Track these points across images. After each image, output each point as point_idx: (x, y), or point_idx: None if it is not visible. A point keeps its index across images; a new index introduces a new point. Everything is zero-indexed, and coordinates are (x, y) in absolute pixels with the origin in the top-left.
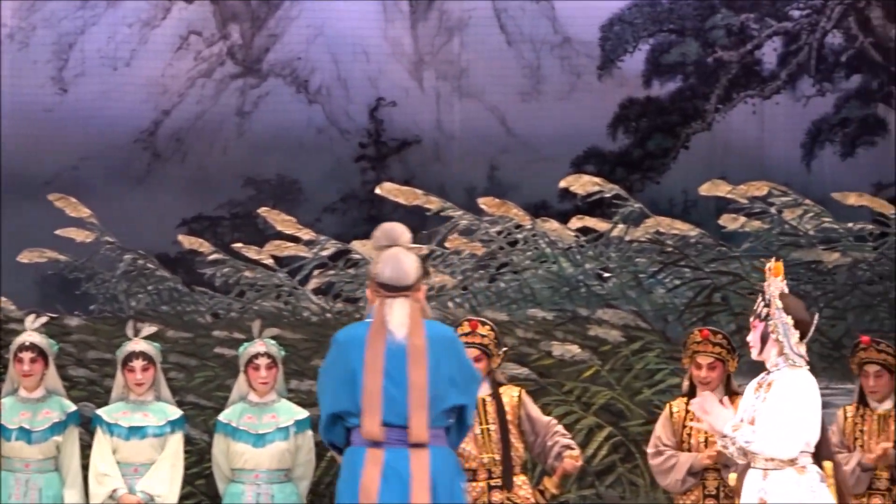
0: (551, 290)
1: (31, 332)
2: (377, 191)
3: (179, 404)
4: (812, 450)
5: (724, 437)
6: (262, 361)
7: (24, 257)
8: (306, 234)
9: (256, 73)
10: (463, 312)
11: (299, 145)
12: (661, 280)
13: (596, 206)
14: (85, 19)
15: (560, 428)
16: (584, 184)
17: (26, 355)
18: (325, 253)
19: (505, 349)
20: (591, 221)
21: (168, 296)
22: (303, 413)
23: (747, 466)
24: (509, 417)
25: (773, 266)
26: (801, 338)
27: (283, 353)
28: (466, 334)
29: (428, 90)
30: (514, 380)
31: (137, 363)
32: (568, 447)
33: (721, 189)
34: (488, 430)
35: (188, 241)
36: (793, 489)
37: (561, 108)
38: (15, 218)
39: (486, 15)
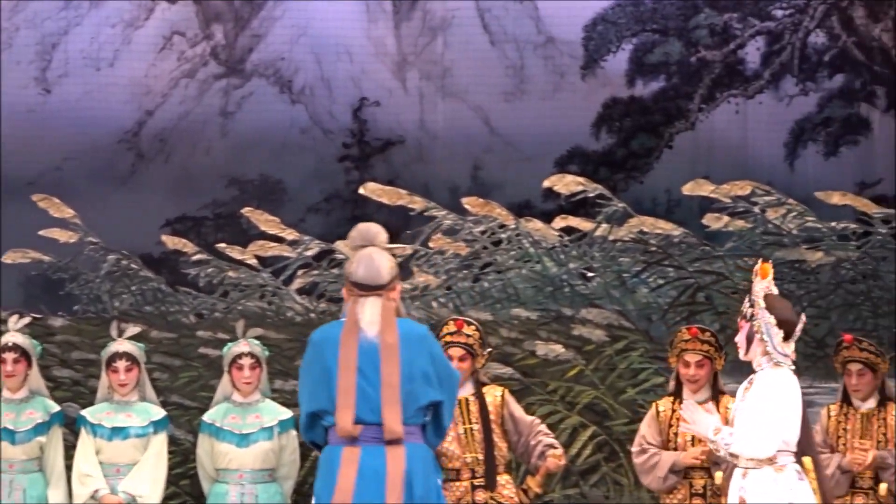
0: (535, 290)
1: (15, 333)
2: (361, 191)
3: (163, 404)
4: (792, 448)
5: (712, 441)
6: (246, 361)
7: (8, 258)
8: (290, 235)
9: (240, 73)
10: (447, 312)
11: (283, 145)
12: (645, 279)
13: (579, 205)
14: (68, 20)
15: (543, 427)
16: (567, 183)
17: (9, 356)
18: (308, 253)
19: (490, 350)
20: (574, 221)
21: (152, 296)
22: (287, 413)
23: (734, 465)
24: (492, 417)
25: (760, 267)
26: (786, 337)
27: (266, 353)
28: (452, 333)
29: (411, 90)
30: (498, 379)
31: (121, 364)
32: (551, 446)
33: (704, 188)
34: (471, 429)
35: (172, 242)
36: (770, 488)
37: (544, 108)
38: None
39: (470, 15)
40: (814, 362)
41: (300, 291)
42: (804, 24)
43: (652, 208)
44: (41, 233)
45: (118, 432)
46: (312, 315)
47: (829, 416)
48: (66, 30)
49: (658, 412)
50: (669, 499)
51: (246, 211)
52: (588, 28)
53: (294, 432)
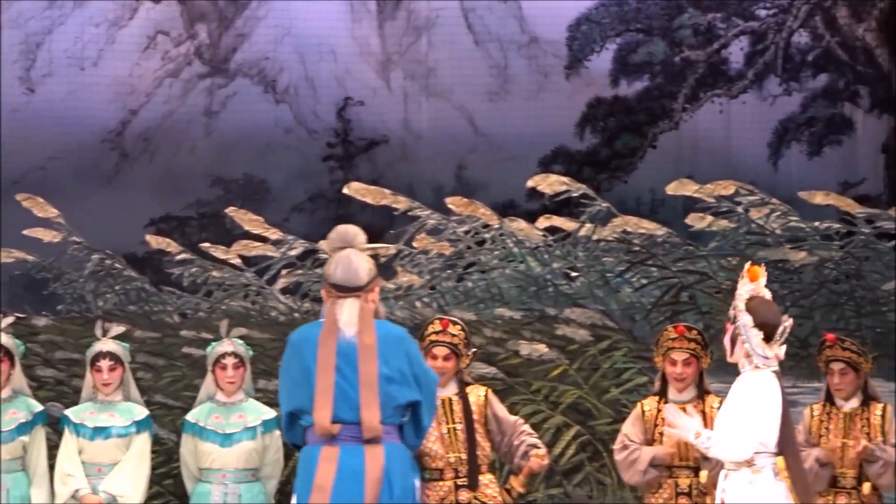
0: (519, 290)
1: None
2: (345, 190)
3: (147, 404)
4: (771, 450)
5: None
6: (230, 361)
7: None
8: (274, 234)
9: (224, 72)
10: (431, 312)
11: (267, 145)
12: (629, 279)
13: (563, 205)
14: (52, 19)
15: (527, 427)
16: (551, 183)
17: None
18: (292, 253)
19: (474, 350)
20: (558, 221)
21: (136, 296)
22: (270, 413)
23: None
24: (476, 417)
25: (748, 269)
26: (768, 339)
27: (250, 352)
28: (437, 332)
29: (395, 90)
30: (481, 379)
31: (105, 363)
32: (534, 446)
33: (688, 188)
34: (455, 429)
35: (156, 241)
36: (746, 490)
37: (528, 108)
38: None
39: (454, 15)
40: (797, 362)
41: (284, 291)
42: (788, 23)
43: (636, 208)
44: (25, 232)
45: (100, 432)
46: (296, 315)
47: (811, 416)
48: (50, 29)
49: (643, 411)
50: (655, 498)
51: (230, 210)
52: (572, 28)
53: (278, 432)
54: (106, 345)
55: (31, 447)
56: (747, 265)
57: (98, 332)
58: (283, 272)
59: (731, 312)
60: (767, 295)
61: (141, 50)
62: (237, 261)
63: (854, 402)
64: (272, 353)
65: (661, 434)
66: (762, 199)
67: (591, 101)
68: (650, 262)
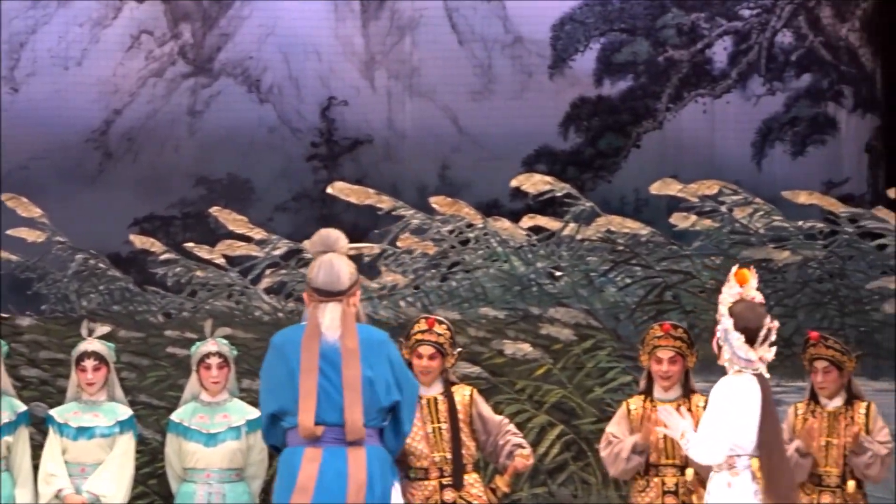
0: (503, 289)
1: None
2: (329, 190)
3: (131, 404)
4: (749, 452)
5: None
6: (214, 361)
7: None
8: (258, 234)
9: (208, 72)
10: (415, 311)
11: (251, 144)
12: (613, 279)
13: (547, 205)
14: (36, 18)
15: (512, 427)
16: (535, 183)
17: None
18: (276, 252)
19: (459, 349)
20: (542, 220)
21: (120, 295)
22: (255, 412)
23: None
24: (461, 416)
25: (736, 272)
26: (749, 342)
27: (234, 352)
28: (423, 332)
29: (379, 89)
30: (466, 378)
31: (89, 363)
32: (519, 446)
33: (672, 188)
34: (440, 428)
35: (140, 241)
36: (725, 492)
37: (512, 108)
38: None
39: (438, 14)
40: (781, 361)
41: (268, 291)
42: (771, 23)
43: (620, 208)
44: (8, 232)
45: (84, 432)
46: (280, 314)
47: (795, 415)
48: (33, 29)
49: (629, 410)
50: (641, 497)
51: (214, 210)
52: (556, 28)
53: None
54: (91, 345)
55: (15, 447)
56: (735, 268)
57: (84, 331)
58: (267, 272)
59: (718, 316)
60: (759, 297)
61: (125, 50)
62: (221, 260)
63: (838, 401)
64: (256, 353)
65: (650, 432)
66: (746, 198)
67: (574, 101)
68: (634, 261)
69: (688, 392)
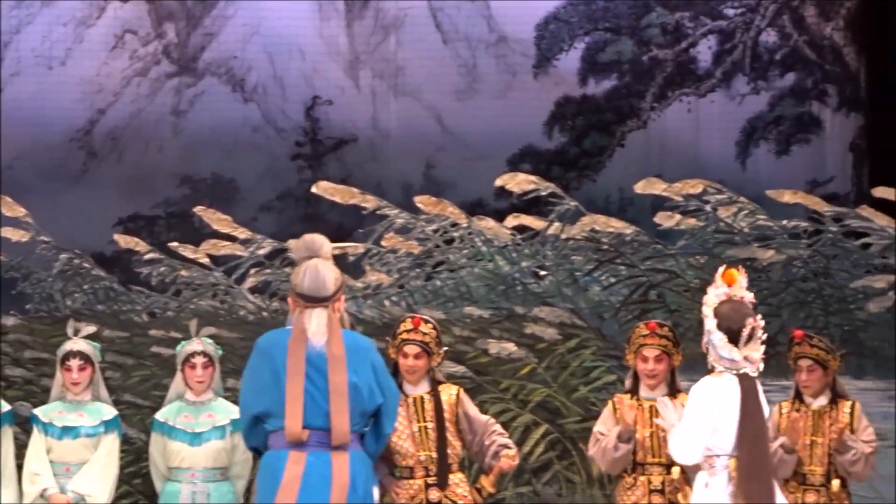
0: (487, 289)
1: None
2: (313, 189)
3: (116, 403)
4: (727, 452)
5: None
6: (199, 360)
7: None
8: (242, 233)
9: (192, 71)
10: (399, 311)
11: (235, 144)
12: (597, 278)
13: (532, 204)
14: (20, 18)
15: (498, 427)
16: (519, 182)
17: None
18: (261, 252)
19: (446, 348)
20: (527, 219)
21: (104, 295)
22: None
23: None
24: (447, 416)
25: (723, 272)
26: (733, 342)
27: (219, 351)
28: (409, 331)
29: (364, 89)
30: (450, 377)
31: (74, 362)
32: (505, 447)
33: (656, 187)
34: (426, 427)
35: (124, 241)
36: (703, 492)
37: (497, 107)
38: None
39: (422, 14)
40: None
41: (253, 290)
42: (755, 22)
43: (604, 207)
44: None
45: (68, 431)
46: (265, 314)
47: (780, 413)
48: (17, 28)
49: (615, 409)
50: (628, 496)
51: (198, 210)
52: (540, 27)
53: None
54: (76, 344)
55: None
56: (722, 268)
57: (70, 331)
58: (252, 271)
59: (702, 316)
60: (748, 297)
61: (109, 49)
62: (206, 260)
63: (822, 400)
64: (241, 353)
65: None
66: (730, 197)
67: (559, 100)
68: (619, 260)
69: (674, 391)
